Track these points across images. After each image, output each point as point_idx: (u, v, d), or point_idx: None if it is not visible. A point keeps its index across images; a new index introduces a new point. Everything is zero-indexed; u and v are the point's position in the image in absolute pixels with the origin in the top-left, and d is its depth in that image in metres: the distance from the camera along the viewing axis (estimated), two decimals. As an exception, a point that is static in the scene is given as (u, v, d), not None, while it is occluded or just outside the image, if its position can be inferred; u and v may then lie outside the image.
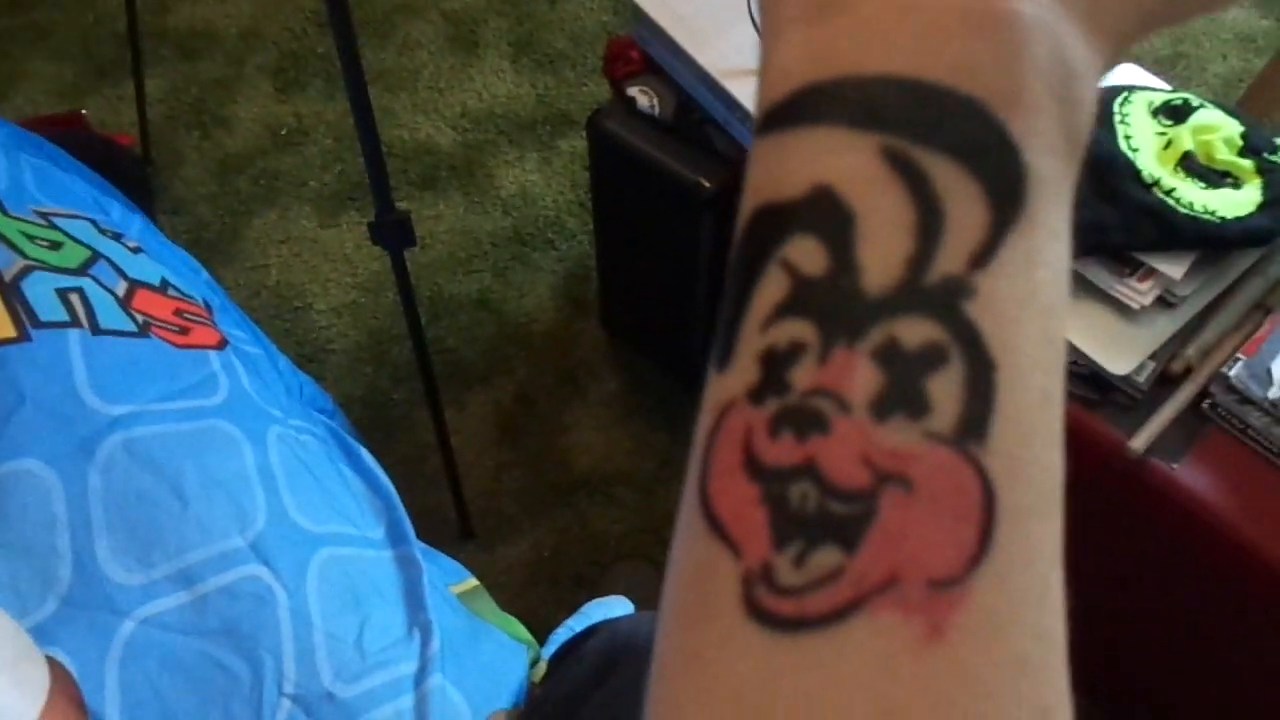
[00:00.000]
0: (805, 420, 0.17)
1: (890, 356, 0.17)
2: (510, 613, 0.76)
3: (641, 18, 1.06)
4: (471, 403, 1.45)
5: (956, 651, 0.16)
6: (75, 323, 0.61)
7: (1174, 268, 0.86)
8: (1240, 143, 0.90)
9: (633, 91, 1.11)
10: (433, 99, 1.75)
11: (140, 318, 0.65)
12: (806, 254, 0.18)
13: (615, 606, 0.98)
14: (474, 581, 0.71)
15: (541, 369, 1.48)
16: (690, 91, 1.06)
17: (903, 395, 0.17)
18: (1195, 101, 0.93)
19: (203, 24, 1.86)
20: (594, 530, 1.35)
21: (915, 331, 0.17)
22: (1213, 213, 0.85)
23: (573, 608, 1.12)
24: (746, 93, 0.99)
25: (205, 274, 0.90)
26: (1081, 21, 0.18)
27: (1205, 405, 0.88)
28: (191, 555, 0.52)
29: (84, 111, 1.66)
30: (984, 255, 0.17)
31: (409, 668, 0.55)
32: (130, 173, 1.60)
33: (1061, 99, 0.18)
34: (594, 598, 1.14)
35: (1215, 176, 0.89)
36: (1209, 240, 0.85)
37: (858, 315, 0.17)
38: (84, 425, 0.56)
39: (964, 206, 0.17)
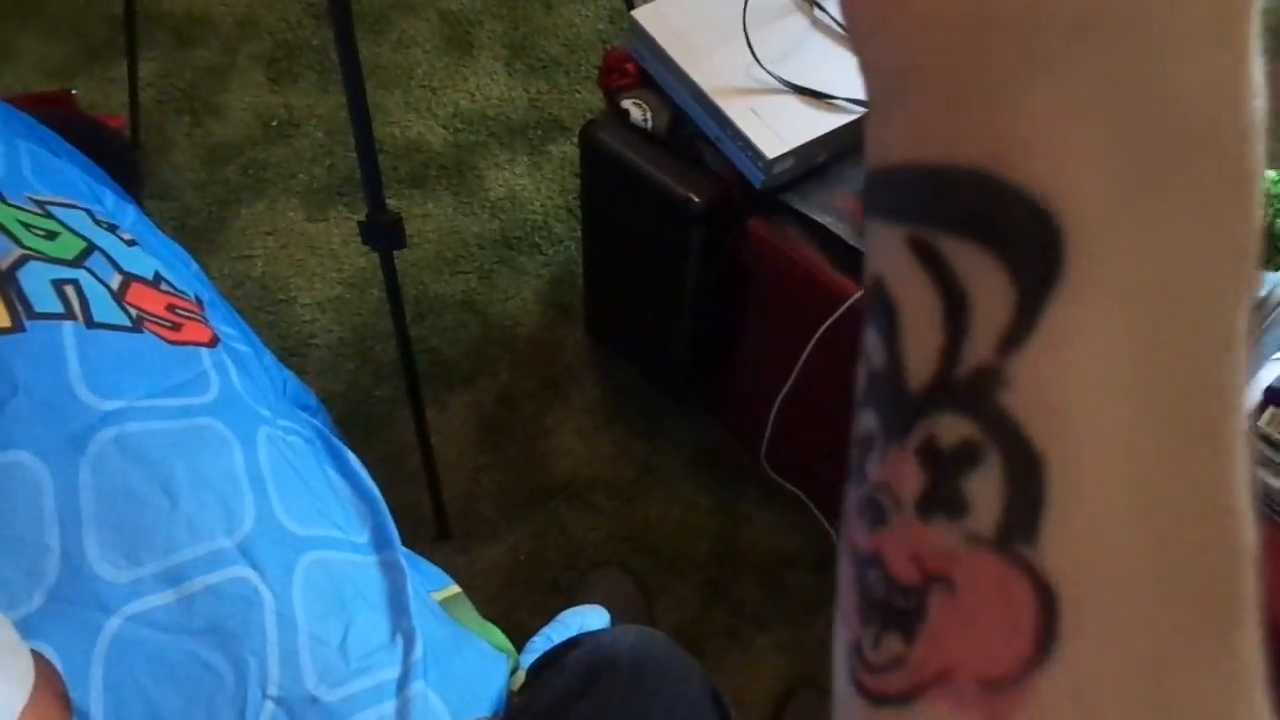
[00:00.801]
0: (874, 512, 0.18)
1: (931, 456, 0.16)
2: (485, 615, 0.77)
3: (638, 32, 1.07)
4: (453, 403, 1.45)
5: None
6: (70, 315, 0.61)
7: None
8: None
9: (627, 104, 1.12)
10: (425, 98, 1.76)
11: (134, 312, 0.65)
12: (873, 346, 0.18)
13: (591, 616, 0.99)
14: (456, 588, 0.72)
15: (524, 372, 1.49)
16: (684, 107, 1.07)
17: (942, 496, 0.16)
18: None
19: (199, 10, 1.85)
20: (572, 536, 1.35)
21: (951, 429, 0.16)
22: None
23: (548, 612, 1.13)
24: (739, 112, 1.01)
25: (195, 266, 0.90)
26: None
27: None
28: (179, 554, 0.53)
29: (74, 91, 1.65)
30: (1015, 337, 0.15)
31: (392, 673, 0.56)
32: (119, 156, 1.59)
33: (1111, 107, 0.15)
34: (570, 603, 1.15)
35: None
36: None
37: (904, 412, 0.17)
38: (76, 419, 0.56)
39: (987, 288, 0.16)
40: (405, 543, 0.72)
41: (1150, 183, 0.15)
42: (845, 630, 0.19)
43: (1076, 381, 0.15)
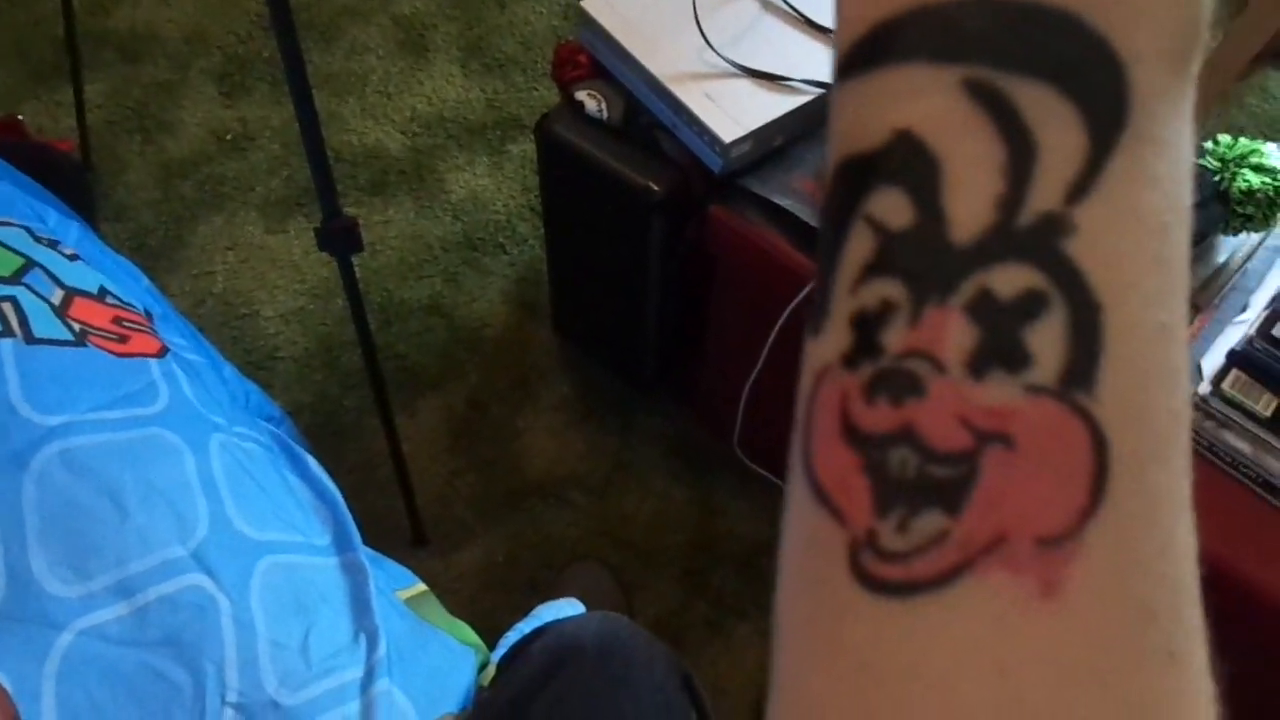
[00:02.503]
0: (900, 384, 0.17)
1: (985, 309, 0.16)
2: (465, 619, 0.76)
3: (588, 22, 1.06)
4: (423, 409, 1.44)
5: (1073, 606, 0.16)
6: (8, 332, 0.60)
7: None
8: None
9: (581, 96, 1.11)
10: (381, 103, 1.74)
11: (77, 326, 0.64)
12: (891, 207, 0.17)
13: (565, 608, 0.98)
14: (422, 586, 0.71)
15: (493, 374, 1.48)
16: (638, 96, 1.07)
17: (999, 349, 0.16)
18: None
19: (144, 27, 1.83)
20: (547, 534, 1.35)
21: (1010, 280, 0.16)
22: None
23: (528, 612, 1.12)
24: (693, 97, 1.00)
25: (146, 281, 0.88)
26: None
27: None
28: (131, 565, 0.52)
29: (20, 117, 1.62)
30: (1083, 185, 0.16)
31: (355, 674, 0.55)
32: (70, 178, 1.57)
33: None
34: (548, 599, 1.14)
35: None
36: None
37: (948, 269, 0.16)
38: (17, 436, 0.54)
39: (1058, 134, 0.16)
40: (381, 550, 0.71)
41: (1184, 56, 0.16)
42: (838, 532, 0.17)
43: (1128, 228, 0.16)
